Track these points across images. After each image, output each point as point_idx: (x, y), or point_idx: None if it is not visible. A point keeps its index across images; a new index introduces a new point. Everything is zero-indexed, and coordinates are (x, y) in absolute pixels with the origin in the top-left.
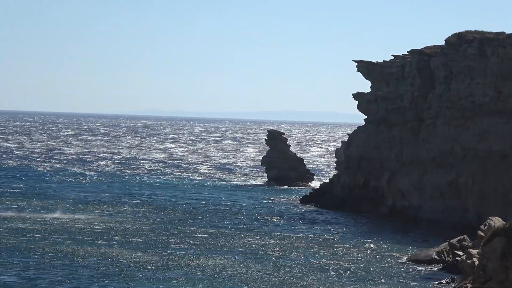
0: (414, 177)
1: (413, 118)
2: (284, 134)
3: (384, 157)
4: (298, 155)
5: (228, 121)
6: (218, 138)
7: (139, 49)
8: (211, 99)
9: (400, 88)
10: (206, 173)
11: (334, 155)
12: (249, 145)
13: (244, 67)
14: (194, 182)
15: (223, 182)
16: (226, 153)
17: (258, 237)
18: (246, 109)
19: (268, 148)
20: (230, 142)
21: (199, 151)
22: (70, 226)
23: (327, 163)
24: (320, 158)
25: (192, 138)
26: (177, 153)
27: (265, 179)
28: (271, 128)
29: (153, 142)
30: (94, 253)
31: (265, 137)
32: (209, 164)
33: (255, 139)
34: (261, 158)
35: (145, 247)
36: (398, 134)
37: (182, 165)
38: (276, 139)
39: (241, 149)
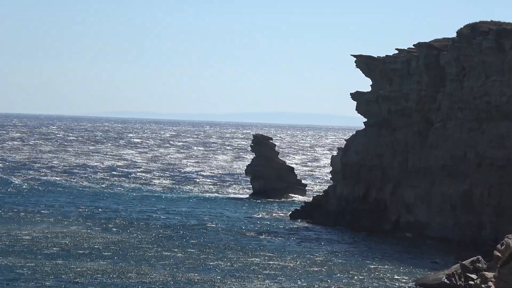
0: (421, 189)
1: (420, 120)
2: (271, 139)
3: (386, 165)
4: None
5: (205, 124)
6: (190, 143)
7: (106, 43)
8: (188, 100)
9: (405, 86)
10: (179, 183)
11: (330, 162)
12: (228, 151)
13: (228, 65)
14: (165, 194)
15: (199, 194)
16: (201, 161)
17: (246, 256)
18: (229, 111)
19: (253, 155)
20: (201, 148)
21: (165, 157)
22: (22, 242)
23: (311, 173)
24: (303, 167)
25: (158, 143)
26: (138, 161)
27: (250, 191)
28: (256, 132)
29: (111, 148)
30: (58, 273)
31: (250, 142)
32: (180, 173)
33: (233, 145)
34: (239, 166)
35: (118, 270)
36: (402, 139)
37: (146, 174)
38: (262, 145)
39: (218, 156)
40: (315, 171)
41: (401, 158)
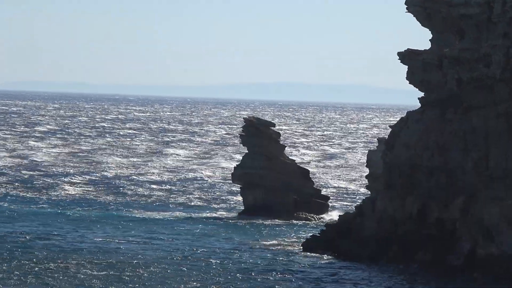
0: (509, 204)
1: (509, 96)
2: (274, 125)
3: (455, 166)
4: None
5: (161, 101)
6: (135, 132)
7: None
8: (135, 66)
9: (484, 42)
10: (124, 197)
11: (366, 163)
12: (198, 145)
13: (196, 12)
14: (104, 213)
15: (160, 214)
16: (155, 160)
17: None
18: (199, 82)
19: (244, 151)
20: (152, 140)
21: (93, 155)
22: None
23: (335, 178)
24: (316, 167)
25: (79, 131)
26: (52, 157)
27: (240, 207)
28: (248, 114)
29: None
30: None
31: (240, 130)
32: (122, 180)
33: (208, 134)
34: (219, 168)
35: None
36: (480, 126)
37: (64, 182)
38: (259, 135)
39: (181, 152)
40: (337, 175)
41: (477, 156)
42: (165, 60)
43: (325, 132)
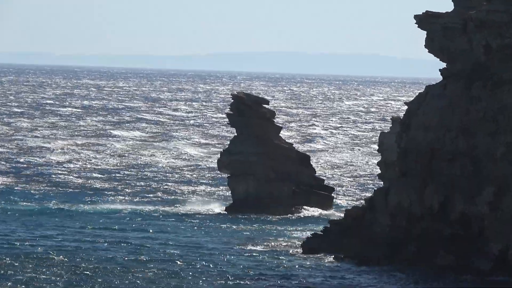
0: None
1: None
2: (268, 102)
3: (482, 151)
4: None
5: (126, 73)
6: (88, 111)
7: None
8: (89, 35)
9: None
10: (66, 185)
11: (377, 147)
12: (175, 127)
13: None
14: (58, 205)
15: (130, 206)
16: (119, 143)
17: None
18: (174, 52)
19: (233, 133)
20: (101, 117)
21: (35, 137)
22: None
23: (335, 167)
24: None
25: (21, 110)
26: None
27: (228, 200)
28: (235, 89)
29: None
30: None
31: (228, 109)
32: (67, 165)
33: (186, 114)
34: (202, 154)
35: None
36: None
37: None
38: (251, 114)
39: (153, 135)
40: (326, 160)
41: (509, 140)
42: (137, 27)
43: (316, 110)
